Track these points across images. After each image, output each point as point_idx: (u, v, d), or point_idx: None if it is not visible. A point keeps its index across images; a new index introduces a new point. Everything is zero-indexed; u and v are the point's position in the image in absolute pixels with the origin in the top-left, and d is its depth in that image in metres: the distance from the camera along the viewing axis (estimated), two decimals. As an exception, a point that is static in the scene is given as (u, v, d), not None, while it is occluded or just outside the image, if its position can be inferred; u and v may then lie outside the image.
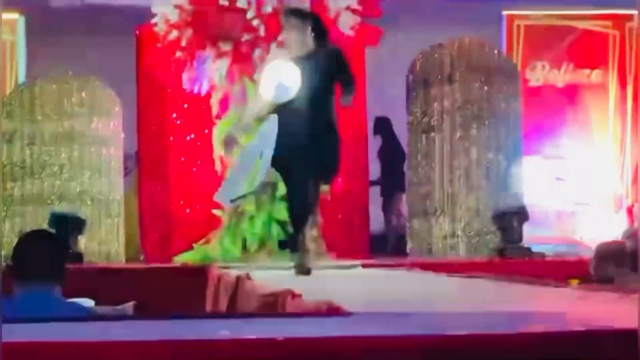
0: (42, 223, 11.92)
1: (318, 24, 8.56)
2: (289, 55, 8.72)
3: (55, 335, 3.27)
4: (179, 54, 12.85)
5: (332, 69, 8.61)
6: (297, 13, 8.62)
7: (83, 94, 13.30)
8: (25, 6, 13.77)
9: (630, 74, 13.64)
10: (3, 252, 11.03)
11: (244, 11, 12.86)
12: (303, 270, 8.38)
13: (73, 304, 5.63)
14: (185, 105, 13.62)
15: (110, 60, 13.33)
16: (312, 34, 8.62)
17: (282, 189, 12.69)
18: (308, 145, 8.62)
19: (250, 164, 9.32)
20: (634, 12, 14.11)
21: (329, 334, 3.34)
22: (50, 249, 5.74)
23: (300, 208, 8.87)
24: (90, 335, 3.31)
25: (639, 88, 13.66)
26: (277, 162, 8.87)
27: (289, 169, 8.79)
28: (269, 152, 8.79)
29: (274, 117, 8.66)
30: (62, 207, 12.80)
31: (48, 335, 3.21)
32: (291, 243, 8.98)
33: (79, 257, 11.43)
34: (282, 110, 8.70)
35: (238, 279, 8.55)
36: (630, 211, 13.64)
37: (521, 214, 12.61)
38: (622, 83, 13.61)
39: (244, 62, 12.90)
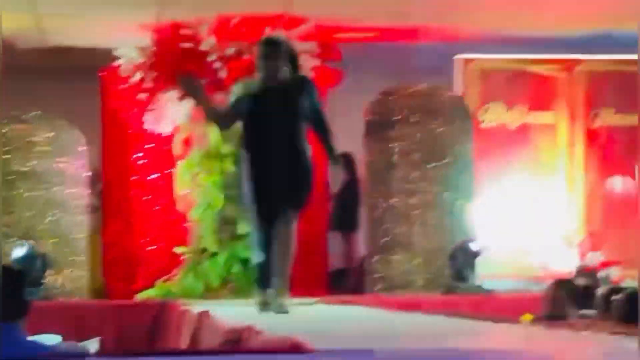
0: (7, 260, 11.54)
1: (291, 53, 8.49)
2: (261, 82, 8.52)
3: None
4: (142, 95, 12.94)
5: (303, 96, 8.44)
6: (272, 42, 8.54)
7: (49, 134, 13.42)
8: (-5, 44, 13.71)
9: (579, 115, 13.74)
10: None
11: (205, 53, 13.04)
12: (281, 308, 8.07)
13: (35, 342, 5.70)
14: (148, 146, 13.61)
15: (76, 101, 13.38)
16: (285, 63, 8.46)
17: (243, 228, 12.78)
18: (278, 176, 8.46)
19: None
20: (583, 56, 14.42)
21: None
22: (14, 285, 5.68)
23: (269, 245, 8.40)
24: None
25: (587, 128, 13.75)
26: (250, 195, 8.55)
27: (261, 203, 8.42)
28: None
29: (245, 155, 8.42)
30: (27, 245, 12.43)
31: None
32: (262, 280, 8.46)
33: (45, 293, 11.29)
34: (252, 139, 8.54)
35: (200, 315, 8.62)
36: (580, 248, 13.74)
37: (474, 252, 12.63)
38: (572, 126, 13.71)
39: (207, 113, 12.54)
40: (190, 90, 8.88)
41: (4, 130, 13.03)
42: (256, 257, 8.06)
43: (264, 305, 8.23)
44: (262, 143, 8.28)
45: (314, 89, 8.49)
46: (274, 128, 8.29)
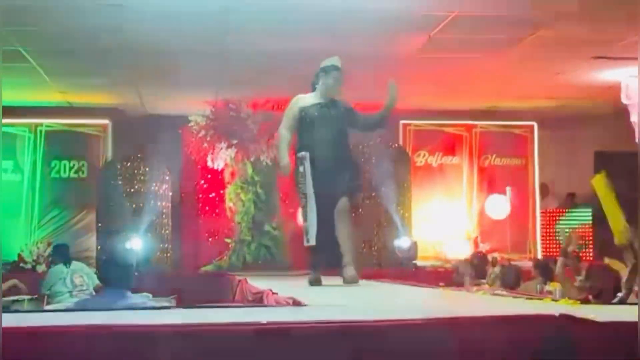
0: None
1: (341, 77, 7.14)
2: (317, 97, 7.20)
3: (126, 319, 3.21)
4: (205, 145, 13.08)
5: (348, 114, 7.15)
6: (337, 67, 7.03)
7: (150, 173, 13.24)
8: (111, 116, 13.80)
9: (475, 160, 13.66)
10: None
11: (245, 119, 13.02)
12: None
13: (137, 296, 5.54)
14: (209, 176, 13.65)
15: (165, 147, 13.39)
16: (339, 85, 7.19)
17: (267, 227, 13.20)
18: (335, 173, 7.03)
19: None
20: (478, 122, 14.15)
21: (293, 319, 3.20)
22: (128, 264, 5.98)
23: (324, 231, 6.94)
24: (148, 319, 3.28)
25: (479, 167, 13.98)
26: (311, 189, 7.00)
27: (321, 194, 6.94)
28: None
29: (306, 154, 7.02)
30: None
31: (121, 320, 3.19)
32: (315, 261, 7.12)
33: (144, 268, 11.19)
34: (309, 141, 7.13)
35: (239, 281, 8.52)
36: (475, 241, 13.71)
37: (409, 245, 12.48)
38: (470, 165, 13.60)
39: (245, 151, 12.97)
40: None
41: (118, 166, 13.31)
42: (311, 242, 6.82)
43: (316, 282, 7.05)
44: (319, 144, 6.99)
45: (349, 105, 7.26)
46: (328, 131, 7.04)
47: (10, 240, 13.05)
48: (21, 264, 12.53)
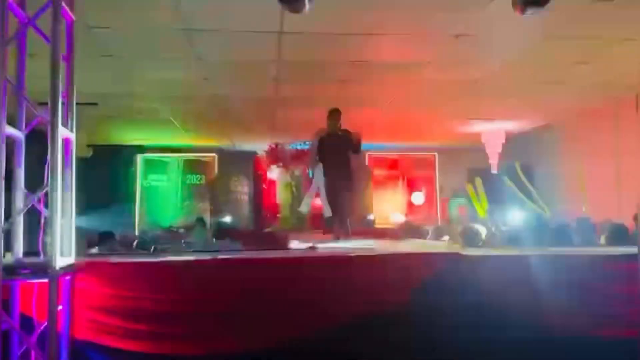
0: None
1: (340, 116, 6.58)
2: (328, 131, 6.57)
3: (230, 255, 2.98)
4: (266, 166, 12.83)
5: (351, 141, 6.47)
6: (334, 111, 6.51)
7: (238, 179, 13.02)
8: (217, 151, 13.91)
9: (405, 172, 14.15)
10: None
11: (285, 152, 12.63)
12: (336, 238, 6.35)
13: (234, 246, 5.33)
14: (268, 182, 12.90)
15: (244, 168, 13.61)
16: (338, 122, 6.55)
17: (303, 208, 12.96)
18: (339, 177, 6.46)
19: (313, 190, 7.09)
20: (406, 152, 13.75)
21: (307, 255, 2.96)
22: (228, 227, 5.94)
23: (334, 207, 6.41)
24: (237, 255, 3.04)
25: (408, 177, 13.62)
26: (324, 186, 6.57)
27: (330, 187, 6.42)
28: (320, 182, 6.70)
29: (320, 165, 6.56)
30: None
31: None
32: (331, 225, 6.56)
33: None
34: (324, 159, 6.59)
35: (285, 235, 7.56)
36: (405, 214, 13.00)
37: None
38: (403, 175, 13.63)
39: (285, 168, 12.54)
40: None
41: (222, 179, 13.18)
42: (328, 214, 6.42)
43: (335, 238, 6.46)
44: (329, 160, 6.51)
45: (353, 135, 6.48)
46: (335, 153, 6.47)
47: (165, 216, 13.20)
48: (171, 229, 12.63)
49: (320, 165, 6.57)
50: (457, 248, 3.70)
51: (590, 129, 9.76)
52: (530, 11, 3.21)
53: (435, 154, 13.94)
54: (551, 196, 9.45)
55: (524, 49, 6.24)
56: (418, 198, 13.76)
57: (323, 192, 6.64)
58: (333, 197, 6.52)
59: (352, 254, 2.97)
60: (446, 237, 6.70)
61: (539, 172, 10.11)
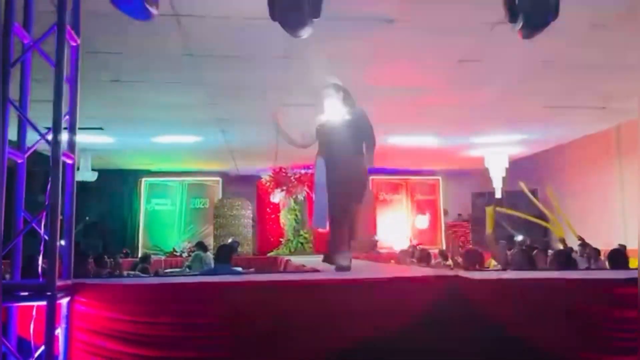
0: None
1: (347, 93, 4.31)
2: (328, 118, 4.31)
3: (229, 279, 2.90)
4: (270, 190, 12.77)
5: (360, 127, 4.23)
6: (332, 86, 4.27)
7: (240, 204, 12.79)
8: (221, 175, 13.93)
9: (409, 196, 13.93)
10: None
11: (289, 176, 12.66)
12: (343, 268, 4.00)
13: (234, 269, 5.54)
14: (271, 206, 12.98)
15: (247, 192, 13.54)
16: (343, 101, 4.24)
17: (302, 232, 12.66)
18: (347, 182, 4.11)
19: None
20: (410, 177, 13.76)
21: (314, 278, 2.96)
22: (229, 250, 5.83)
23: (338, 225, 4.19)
24: (239, 279, 2.89)
25: (414, 199, 13.83)
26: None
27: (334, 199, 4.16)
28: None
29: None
30: (232, 238, 12.06)
31: (226, 279, 2.88)
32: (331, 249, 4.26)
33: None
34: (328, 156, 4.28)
35: (286, 261, 8.33)
36: (410, 239, 12.98)
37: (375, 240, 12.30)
38: (407, 199, 13.58)
39: (289, 192, 12.55)
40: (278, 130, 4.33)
41: (224, 201, 13.06)
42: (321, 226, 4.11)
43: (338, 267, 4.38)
44: (334, 154, 4.18)
45: (369, 124, 4.32)
46: (342, 144, 4.17)
47: (168, 240, 13.21)
48: (174, 253, 12.65)
49: (322, 160, 4.39)
50: (458, 271, 3.67)
51: (594, 153, 9.78)
52: (532, 35, 3.23)
53: (440, 177, 13.95)
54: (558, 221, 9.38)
55: (526, 73, 6.26)
56: (422, 222, 13.71)
57: (321, 196, 4.55)
58: (338, 208, 4.33)
59: (352, 278, 2.94)
60: (450, 261, 6.66)
61: (542, 196, 10.08)
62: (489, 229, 7.09)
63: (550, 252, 6.29)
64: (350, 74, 6.18)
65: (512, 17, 3.18)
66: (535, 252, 6.12)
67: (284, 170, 12.83)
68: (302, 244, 12.70)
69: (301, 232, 12.86)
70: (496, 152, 10.86)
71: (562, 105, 7.75)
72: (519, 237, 8.71)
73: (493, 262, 6.08)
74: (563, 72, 6.25)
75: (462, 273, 3.05)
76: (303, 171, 12.54)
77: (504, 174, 11.05)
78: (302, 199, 12.82)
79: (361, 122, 4.31)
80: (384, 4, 4.58)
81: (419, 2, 4.53)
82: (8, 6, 2.51)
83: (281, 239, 12.96)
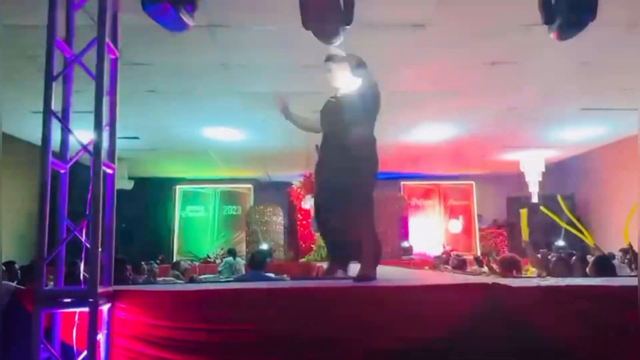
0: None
1: (354, 61, 3.37)
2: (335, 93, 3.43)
3: (259, 285, 2.77)
4: (301, 196, 12.36)
5: (369, 102, 3.28)
6: (331, 58, 3.36)
7: (273, 210, 12.56)
8: (253, 182, 14.03)
9: (442, 201, 13.80)
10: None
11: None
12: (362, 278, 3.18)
13: (268, 275, 5.42)
14: (303, 212, 12.36)
15: (278, 198, 13.57)
16: (353, 72, 3.33)
17: None
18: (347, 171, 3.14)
19: None
20: (442, 182, 13.54)
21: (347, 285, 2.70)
22: (263, 256, 5.83)
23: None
24: (272, 285, 2.94)
25: (447, 205, 13.54)
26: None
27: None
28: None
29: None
30: (265, 243, 12.04)
31: (257, 285, 2.75)
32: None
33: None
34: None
35: (318, 267, 8.30)
36: (443, 245, 12.76)
37: (410, 246, 11.96)
38: (443, 203, 13.39)
39: None
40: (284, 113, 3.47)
41: (256, 208, 12.99)
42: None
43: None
44: (325, 137, 3.34)
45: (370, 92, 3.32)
46: (334, 124, 3.30)
47: (202, 247, 13.35)
48: (208, 259, 12.77)
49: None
50: (496, 278, 3.58)
51: (631, 155, 9.47)
52: (568, 37, 3.14)
53: (473, 182, 13.75)
54: (596, 226, 9.15)
55: (561, 75, 6.18)
56: (455, 227, 13.53)
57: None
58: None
59: (386, 285, 2.91)
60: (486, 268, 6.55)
61: (580, 200, 9.85)
62: (525, 235, 6.94)
63: (589, 257, 6.21)
64: (380, 80, 6.32)
65: (548, 18, 3.11)
66: (573, 258, 5.99)
67: (313, 176, 12.92)
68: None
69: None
70: (532, 156, 10.69)
71: (599, 108, 7.58)
72: (560, 243, 8.51)
73: (531, 269, 5.96)
74: (599, 74, 6.13)
75: (500, 280, 2.97)
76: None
77: (540, 178, 10.83)
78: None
79: (366, 99, 3.32)
80: (414, 9, 4.59)
81: (450, 5, 4.51)
82: (51, 22, 2.61)
83: (312, 245, 12.87)
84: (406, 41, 5.17)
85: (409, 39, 5.13)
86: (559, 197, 7.36)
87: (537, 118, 8.15)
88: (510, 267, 4.95)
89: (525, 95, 6.99)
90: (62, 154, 2.72)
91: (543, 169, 10.82)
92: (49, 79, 2.59)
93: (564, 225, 7.34)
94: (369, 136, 3.30)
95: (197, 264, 12.11)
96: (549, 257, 6.15)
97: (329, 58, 3.44)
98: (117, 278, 2.84)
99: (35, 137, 10.24)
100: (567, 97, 7.11)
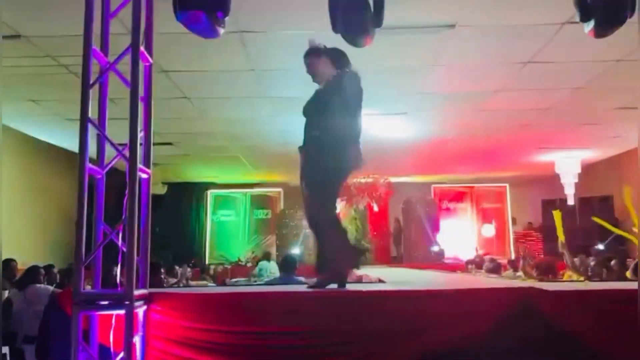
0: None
1: (334, 54, 3.23)
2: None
3: (293, 289, 2.99)
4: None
5: (350, 95, 3.08)
6: (310, 52, 3.27)
7: (302, 215, 12.36)
8: (283, 187, 13.97)
9: (474, 205, 13.67)
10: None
11: (348, 186, 12.38)
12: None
13: (299, 279, 5.14)
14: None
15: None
16: (332, 64, 3.21)
17: (363, 242, 12.09)
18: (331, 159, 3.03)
19: None
20: (475, 184, 13.48)
21: (378, 289, 2.87)
22: (292, 261, 5.68)
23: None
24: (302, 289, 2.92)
25: (479, 208, 13.42)
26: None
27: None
28: None
29: None
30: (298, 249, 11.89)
31: (290, 289, 2.96)
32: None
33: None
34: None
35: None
36: (476, 248, 12.62)
37: (442, 250, 11.74)
38: (476, 206, 13.49)
39: (349, 202, 11.93)
40: None
41: (286, 212, 12.69)
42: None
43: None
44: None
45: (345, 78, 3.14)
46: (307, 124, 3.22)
47: (233, 250, 13.45)
48: (239, 263, 12.87)
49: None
50: (533, 282, 3.53)
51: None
52: (605, 35, 3.06)
53: (507, 185, 13.54)
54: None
55: (596, 74, 6.04)
56: (488, 231, 13.33)
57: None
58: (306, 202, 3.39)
59: (421, 289, 2.88)
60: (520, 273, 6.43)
61: (619, 203, 9.57)
62: (561, 237, 6.76)
63: (629, 261, 6.00)
64: (412, 82, 6.31)
65: (584, 16, 3.04)
66: (613, 262, 5.88)
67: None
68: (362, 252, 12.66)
69: (362, 242, 12.69)
70: (567, 157, 10.45)
71: (636, 106, 7.35)
72: (600, 247, 8.30)
73: (568, 273, 5.83)
74: (635, 72, 5.93)
75: (537, 284, 2.94)
76: (363, 180, 12.31)
77: (576, 180, 10.58)
78: (363, 208, 12.65)
79: (346, 92, 3.14)
80: (444, 9, 4.55)
81: (480, 5, 4.46)
82: (86, 32, 2.67)
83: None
84: (437, 42, 5.14)
85: (440, 40, 5.10)
86: (554, 212, 7.10)
87: (572, 118, 7.97)
88: (546, 271, 4.85)
89: (559, 95, 6.86)
90: (98, 160, 2.79)
91: (579, 171, 10.58)
92: (85, 86, 2.64)
93: (612, 229, 7.15)
94: (343, 130, 3.10)
95: (228, 267, 12.24)
96: (588, 260, 6.01)
97: (310, 51, 3.34)
98: (151, 281, 2.91)
99: (70, 144, 10.54)
100: (602, 96, 6.94)
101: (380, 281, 4.08)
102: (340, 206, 12.77)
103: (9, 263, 6.34)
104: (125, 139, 2.64)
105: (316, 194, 3.19)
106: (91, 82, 2.67)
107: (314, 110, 3.25)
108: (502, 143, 9.58)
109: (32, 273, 5.45)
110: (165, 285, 5.66)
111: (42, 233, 9.03)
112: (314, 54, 3.33)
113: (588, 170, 10.83)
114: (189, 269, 9.08)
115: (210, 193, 13.88)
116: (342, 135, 3.10)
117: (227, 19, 3.11)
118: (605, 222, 6.43)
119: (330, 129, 3.09)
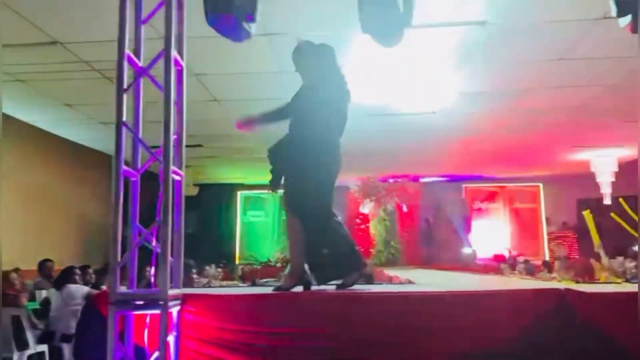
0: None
1: (321, 51, 3.29)
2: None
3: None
4: (359, 200, 12.49)
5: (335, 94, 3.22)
6: (300, 49, 3.38)
7: (336, 213, 12.55)
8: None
9: (507, 205, 13.45)
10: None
11: (377, 186, 12.35)
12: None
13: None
14: (361, 217, 12.61)
15: (336, 202, 13.26)
16: (319, 62, 3.26)
17: (392, 242, 12.43)
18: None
19: None
20: (507, 184, 13.28)
21: (408, 290, 2.88)
22: None
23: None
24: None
25: (511, 208, 13.09)
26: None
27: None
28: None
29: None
30: None
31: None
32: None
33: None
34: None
35: (379, 272, 7.93)
36: (509, 249, 12.33)
37: (473, 252, 12.01)
38: (508, 206, 13.51)
39: (378, 203, 12.22)
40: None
41: None
42: None
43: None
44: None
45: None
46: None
47: (263, 251, 13.52)
48: (269, 263, 12.94)
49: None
50: (569, 284, 3.46)
51: None
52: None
53: (540, 184, 13.29)
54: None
55: (631, 69, 5.85)
56: (521, 231, 13.10)
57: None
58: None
59: (455, 290, 2.86)
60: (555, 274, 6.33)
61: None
62: (596, 239, 6.62)
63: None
64: (441, 81, 6.24)
65: (621, 11, 2.97)
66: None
67: (372, 181, 12.74)
68: (392, 254, 12.52)
69: (391, 243, 12.70)
70: (603, 155, 10.18)
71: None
72: (636, 248, 8.08)
73: (604, 274, 5.72)
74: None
75: (572, 286, 2.91)
76: (392, 181, 12.43)
77: (612, 179, 10.32)
78: (392, 209, 12.63)
79: (332, 91, 3.18)
80: (474, 6, 4.50)
81: (512, 1, 4.39)
82: (120, 37, 2.74)
83: (371, 250, 12.82)
84: (468, 39, 5.09)
85: (471, 37, 5.04)
86: (584, 213, 6.86)
87: (607, 115, 7.79)
88: (583, 272, 4.76)
89: (593, 92, 6.72)
90: (133, 162, 2.84)
91: (615, 169, 10.30)
92: (120, 90, 2.70)
93: (629, 229, 6.99)
94: (323, 133, 3.17)
95: (258, 267, 12.32)
96: (626, 262, 5.87)
97: (296, 49, 3.39)
98: (184, 282, 2.93)
99: (103, 146, 10.67)
100: (637, 92, 6.75)
101: (411, 282, 4.09)
102: (369, 206, 12.82)
103: (45, 263, 6.52)
104: (157, 141, 2.67)
105: (313, 197, 3.25)
106: (125, 86, 2.72)
107: (297, 109, 3.28)
108: (534, 141, 9.42)
109: (68, 273, 5.59)
110: (195, 285, 5.72)
111: (73, 235, 9.14)
112: (298, 53, 3.40)
113: (626, 169, 10.54)
114: (219, 270, 9.17)
115: (240, 194, 13.97)
116: (322, 134, 3.16)
117: (256, 22, 3.15)
118: (623, 222, 6.27)
119: (310, 128, 3.16)
